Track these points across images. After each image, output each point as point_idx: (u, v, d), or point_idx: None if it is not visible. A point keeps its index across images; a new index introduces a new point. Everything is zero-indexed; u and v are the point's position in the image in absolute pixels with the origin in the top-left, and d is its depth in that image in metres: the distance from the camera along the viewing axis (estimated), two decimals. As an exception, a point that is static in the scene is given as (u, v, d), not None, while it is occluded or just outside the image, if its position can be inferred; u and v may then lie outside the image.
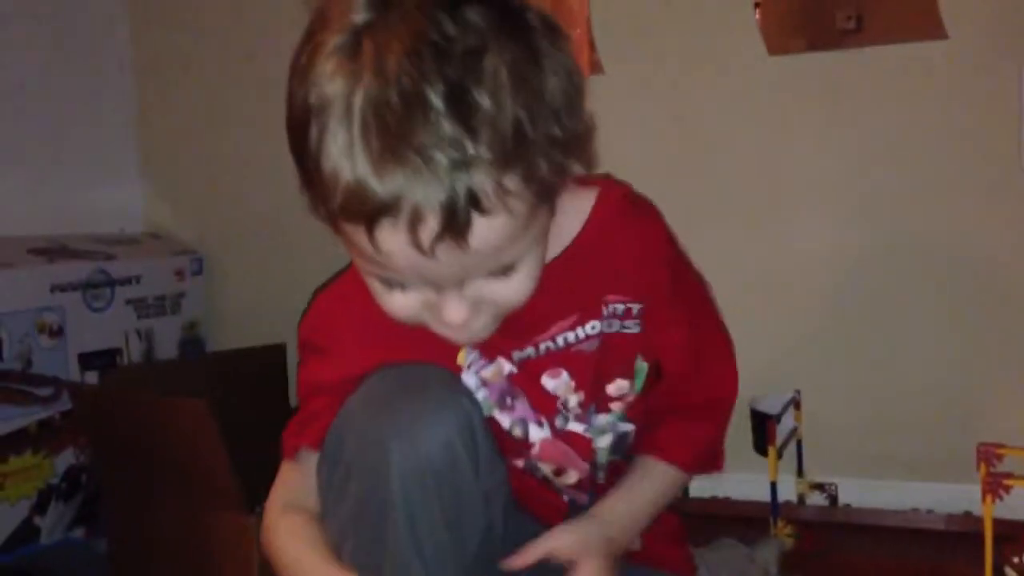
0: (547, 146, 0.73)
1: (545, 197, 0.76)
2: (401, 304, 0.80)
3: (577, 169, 0.80)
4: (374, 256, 0.74)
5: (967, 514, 1.57)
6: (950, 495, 1.59)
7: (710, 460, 1.03)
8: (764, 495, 1.55)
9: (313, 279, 1.10)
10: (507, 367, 0.95)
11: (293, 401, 1.05)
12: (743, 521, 1.60)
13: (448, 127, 0.68)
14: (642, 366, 0.96)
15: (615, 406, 0.97)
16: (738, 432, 1.61)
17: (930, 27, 1.60)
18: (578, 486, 1.00)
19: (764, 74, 1.72)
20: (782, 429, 1.56)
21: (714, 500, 1.72)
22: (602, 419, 0.97)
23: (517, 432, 0.96)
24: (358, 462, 0.87)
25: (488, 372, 0.95)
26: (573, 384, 0.95)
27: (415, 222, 0.69)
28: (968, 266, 1.61)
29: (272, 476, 1.01)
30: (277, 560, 0.94)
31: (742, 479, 1.68)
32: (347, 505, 0.89)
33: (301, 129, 0.71)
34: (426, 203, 0.68)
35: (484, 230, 0.72)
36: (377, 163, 0.68)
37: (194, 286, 2.01)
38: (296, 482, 0.97)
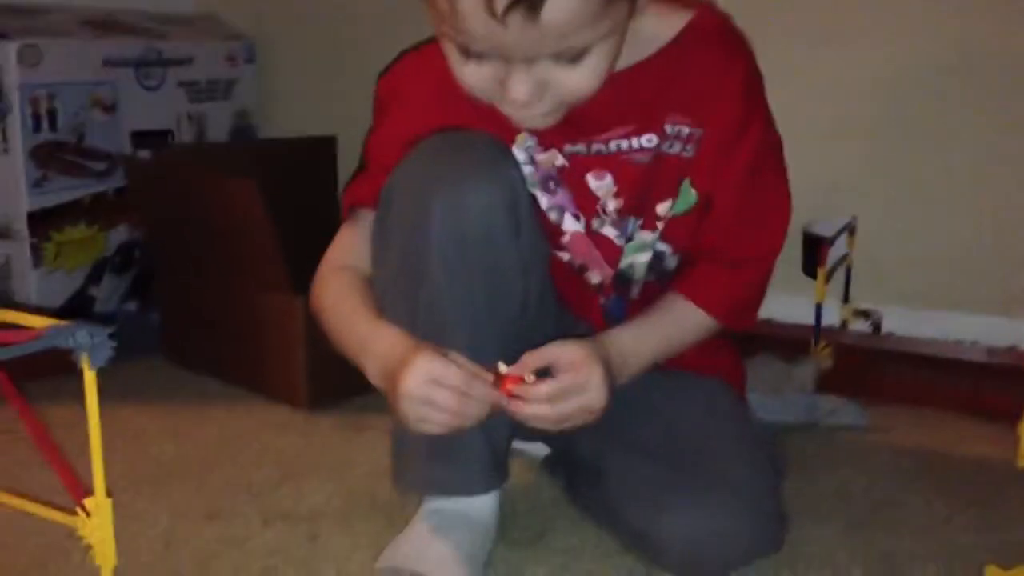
0: None
1: None
2: (473, 75, 0.82)
3: None
4: (451, 18, 0.76)
5: (1011, 348, 1.56)
6: (996, 329, 1.57)
7: (741, 312, 1.03)
8: (807, 318, 1.54)
9: (367, 72, 1.08)
10: (559, 160, 0.96)
11: (342, 195, 1.06)
12: (784, 342, 1.60)
13: None
14: (689, 191, 0.96)
15: (660, 225, 0.97)
16: (786, 255, 1.59)
17: None
18: (601, 289, 1.01)
19: None
20: (834, 253, 1.53)
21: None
22: (645, 236, 0.97)
23: (553, 217, 0.98)
24: (402, 215, 0.89)
25: (541, 156, 0.95)
26: (615, 189, 0.97)
27: None
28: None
29: (318, 264, 1.03)
30: (321, 312, 0.99)
31: (787, 301, 1.67)
32: (391, 259, 0.91)
33: None
34: None
35: (557, 6, 0.73)
36: None
37: (246, 73, 1.98)
38: (350, 243, 1.01)
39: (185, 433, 1.33)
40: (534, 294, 0.95)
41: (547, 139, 0.96)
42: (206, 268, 1.54)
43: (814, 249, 1.52)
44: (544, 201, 0.98)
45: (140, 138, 1.76)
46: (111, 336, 0.62)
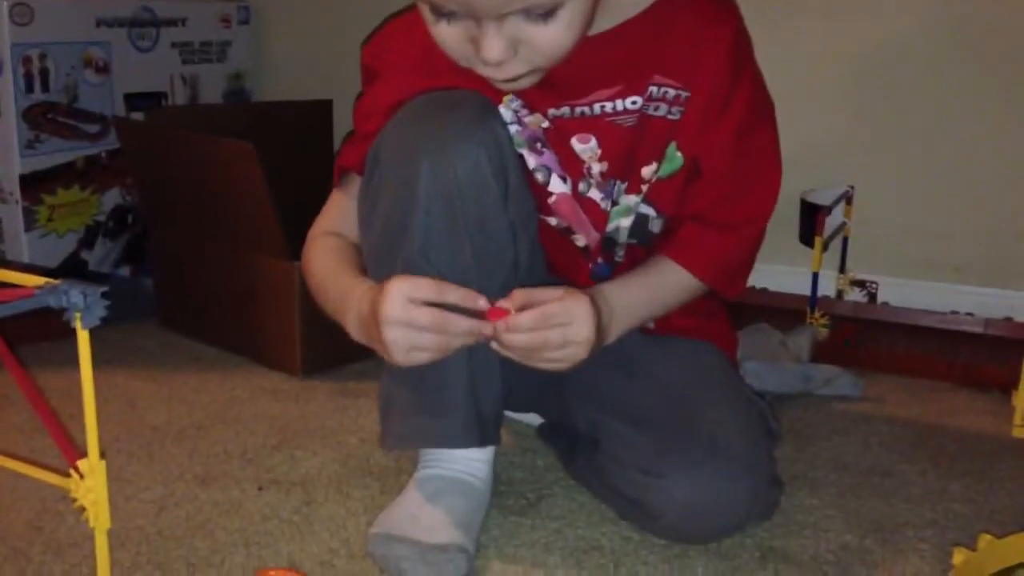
0: None
1: None
2: (446, 35, 0.82)
3: None
4: None
5: (1007, 320, 1.56)
6: (993, 300, 1.58)
7: (729, 275, 1.02)
8: (803, 288, 1.54)
9: (363, 35, 1.07)
10: (544, 123, 0.96)
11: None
12: (780, 312, 1.61)
13: None
14: (675, 154, 0.96)
15: (645, 188, 0.96)
16: (783, 224, 1.60)
17: None
18: (587, 252, 1.00)
19: None
20: (831, 222, 1.53)
21: (752, 290, 1.72)
22: (629, 199, 0.97)
23: (540, 177, 0.98)
24: (390, 175, 0.90)
25: (528, 118, 0.95)
26: (600, 152, 0.96)
27: None
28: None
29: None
30: (309, 276, 0.99)
31: (783, 271, 1.68)
32: (378, 218, 0.92)
33: None
34: None
35: None
36: None
37: (240, 35, 1.96)
38: (338, 210, 1.02)
39: (179, 398, 1.32)
40: (524, 253, 0.95)
41: (531, 102, 0.95)
42: (201, 232, 1.53)
43: (811, 218, 1.52)
44: (531, 161, 0.97)
45: (133, 100, 1.74)
46: (104, 296, 0.61)
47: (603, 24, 0.90)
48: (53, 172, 1.62)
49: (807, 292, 1.52)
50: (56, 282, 0.62)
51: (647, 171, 0.97)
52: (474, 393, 0.93)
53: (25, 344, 1.43)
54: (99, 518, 0.66)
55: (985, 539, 0.86)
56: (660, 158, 0.96)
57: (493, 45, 0.79)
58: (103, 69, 1.68)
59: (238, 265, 1.46)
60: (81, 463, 0.65)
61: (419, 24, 0.84)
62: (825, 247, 1.51)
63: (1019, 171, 1.56)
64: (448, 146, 0.86)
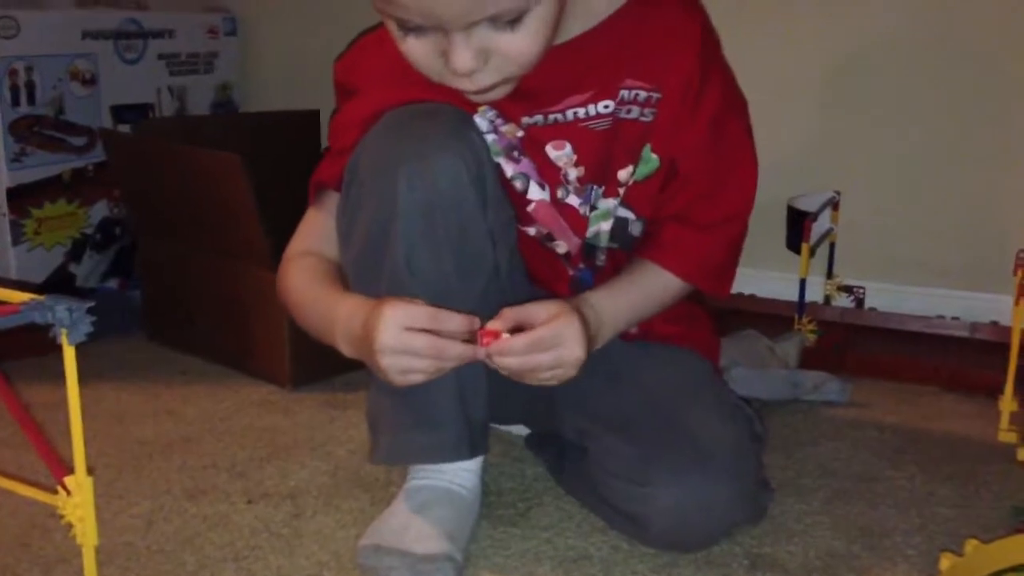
0: None
1: None
2: (415, 49, 0.82)
3: None
4: None
5: (994, 324, 1.57)
6: (979, 305, 1.59)
7: (714, 275, 1.02)
8: (791, 294, 1.55)
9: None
10: (519, 132, 0.96)
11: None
12: (768, 318, 1.61)
13: None
14: (650, 157, 0.96)
15: (622, 191, 0.97)
16: (770, 230, 1.61)
17: None
18: (568, 259, 1.01)
19: None
20: (818, 228, 1.54)
21: (740, 296, 1.73)
22: (607, 203, 0.97)
23: (518, 185, 0.98)
24: (368, 188, 0.90)
25: (503, 128, 0.96)
26: (575, 158, 0.97)
27: None
28: (1020, 73, 1.53)
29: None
30: (288, 297, 0.98)
31: (770, 277, 1.69)
32: (357, 233, 0.91)
33: None
34: None
35: None
36: None
37: (228, 46, 1.96)
38: (314, 228, 1.01)
39: (167, 412, 1.32)
40: (503, 262, 0.95)
41: (505, 112, 0.95)
42: (189, 245, 1.53)
43: (798, 224, 1.52)
44: (509, 169, 0.97)
45: (121, 112, 1.74)
46: (90, 311, 0.61)
47: (571, 31, 0.91)
48: (40, 185, 1.62)
49: (795, 298, 1.53)
50: (41, 298, 0.62)
51: (623, 174, 0.97)
52: (463, 402, 0.93)
53: (12, 359, 1.43)
54: (86, 534, 0.66)
55: (972, 544, 0.86)
56: (635, 160, 0.97)
57: (462, 56, 0.79)
58: (90, 81, 1.68)
59: (226, 277, 1.46)
60: (68, 479, 0.65)
61: (389, 39, 0.84)
62: (812, 253, 1.52)
63: (1003, 175, 1.57)
64: (425, 157, 0.86)
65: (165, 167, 1.49)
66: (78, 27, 1.65)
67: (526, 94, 0.90)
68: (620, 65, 0.93)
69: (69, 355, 0.62)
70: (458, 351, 0.83)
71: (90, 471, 0.66)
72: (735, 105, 0.99)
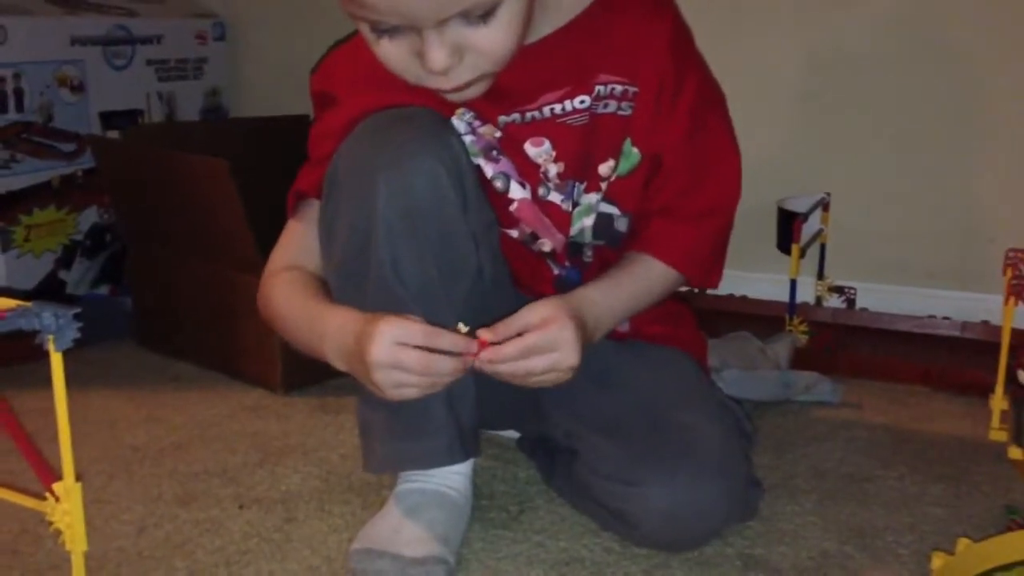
0: None
1: None
2: (389, 52, 0.82)
3: None
4: None
5: (984, 323, 1.58)
6: (969, 304, 1.59)
7: (704, 266, 1.02)
8: (782, 295, 1.55)
9: (339, 51, 1.06)
10: (497, 132, 0.97)
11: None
12: (759, 319, 1.61)
13: None
14: (632, 151, 0.97)
15: (604, 185, 0.97)
16: (761, 231, 1.61)
17: None
18: (554, 257, 1.01)
19: None
20: (808, 229, 1.54)
21: (731, 298, 1.73)
22: (589, 198, 0.97)
23: (499, 185, 0.98)
24: (347, 195, 0.89)
25: (481, 129, 0.96)
26: (554, 154, 0.97)
27: None
28: (1006, 74, 1.54)
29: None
30: (273, 312, 0.97)
31: (761, 278, 1.69)
32: (339, 241, 0.91)
33: None
34: None
35: None
36: None
37: (216, 52, 1.96)
38: (295, 241, 1.00)
39: (158, 418, 1.32)
40: (487, 263, 0.95)
41: (481, 112, 0.95)
42: (178, 250, 1.53)
43: (788, 225, 1.53)
44: (489, 170, 0.97)
45: (109, 119, 1.74)
46: (77, 317, 0.61)
47: (544, 29, 0.92)
48: (29, 192, 1.61)
49: (786, 299, 1.53)
50: (28, 304, 0.62)
51: (604, 168, 0.98)
52: (453, 408, 0.93)
53: (1, 366, 1.42)
54: (75, 541, 0.66)
55: (963, 543, 0.86)
56: (616, 155, 0.97)
57: (437, 53, 0.79)
58: (78, 88, 1.67)
59: (216, 282, 1.46)
60: (56, 485, 0.65)
61: (363, 46, 0.84)
62: (803, 254, 1.52)
63: (992, 175, 1.58)
64: (404, 161, 0.86)
65: (154, 173, 1.49)
66: (66, 33, 1.65)
67: (502, 94, 0.90)
68: (593, 60, 0.94)
69: (56, 361, 0.62)
70: (450, 367, 0.82)
71: (80, 477, 0.65)
72: (713, 98, 1.00)
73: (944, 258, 1.62)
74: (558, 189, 0.98)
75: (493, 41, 0.80)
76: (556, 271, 1.03)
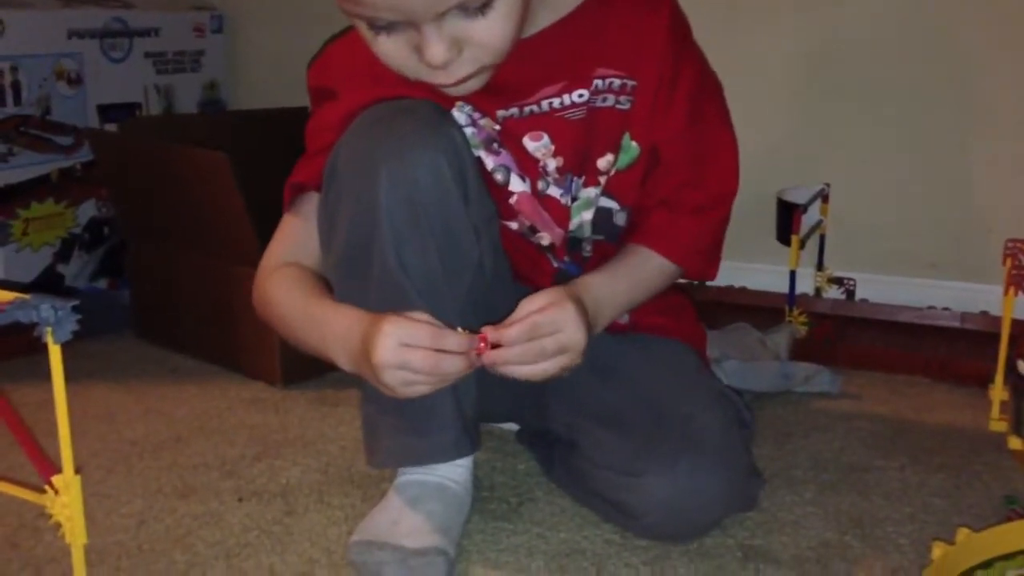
0: None
1: None
2: (388, 48, 0.81)
3: None
4: None
5: (984, 313, 1.57)
6: (969, 295, 1.59)
7: (702, 258, 1.02)
8: (782, 287, 1.55)
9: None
10: (496, 126, 0.96)
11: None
12: (759, 310, 1.61)
13: None
14: (631, 145, 0.97)
15: (603, 180, 0.97)
16: (760, 223, 1.61)
17: None
18: (553, 251, 1.01)
19: None
20: (807, 220, 1.54)
21: (731, 289, 1.73)
22: (588, 192, 0.97)
23: (499, 177, 0.98)
24: (348, 188, 0.89)
25: (481, 121, 0.96)
26: (553, 148, 0.97)
27: None
28: (1005, 64, 1.54)
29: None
30: (272, 311, 0.96)
31: (761, 269, 1.69)
32: (340, 235, 0.90)
33: None
34: None
35: None
36: None
37: (214, 44, 1.96)
38: (293, 236, 0.99)
39: (158, 411, 1.31)
40: (488, 256, 0.95)
41: (480, 107, 0.95)
42: (177, 243, 1.52)
43: (788, 216, 1.52)
44: (489, 162, 0.97)
45: (107, 111, 1.73)
46: (75, 309, 0.61)
47: (542, 23, 0.91)
48: (27, 185, 1.61)
49: (785, 290, 1.53)
50: (26, 297, 0.61)
51: (603, 162, 0.98)
52: (458, 400, 0.92)
53: (1, 360, 1.42)
54: (74, 534, 0.65)
55: (963, 533, 0.86)
56: (615, 149, 0.97)
57: (436, 47, 0.78)
58: (76, 81, 1.67)
59: (215, 275, 1.46)
60: (56, 478, 0.65)
61: (359, 40, 0.84)
62: (802, 245, 1.52)
63: (991, 166, 1.58)
64: (406, 153, 0.86)
65: (152, 166, 1.49)
66: (63, 26, 1.64)
67: (500, 88, 0.90)
68: (591, 54, 0.94)
69: (54, 354, 0.62)
70: (457, 367, 0.81)
71: (80, 470, 0.65)
72: (710, 89, 1.00)
73: (943, 249, 1.62)
74: (557, 183, 0.98)
75: (492, 33, 0.80)
76: (555, 265, 1.03)
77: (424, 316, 0.82)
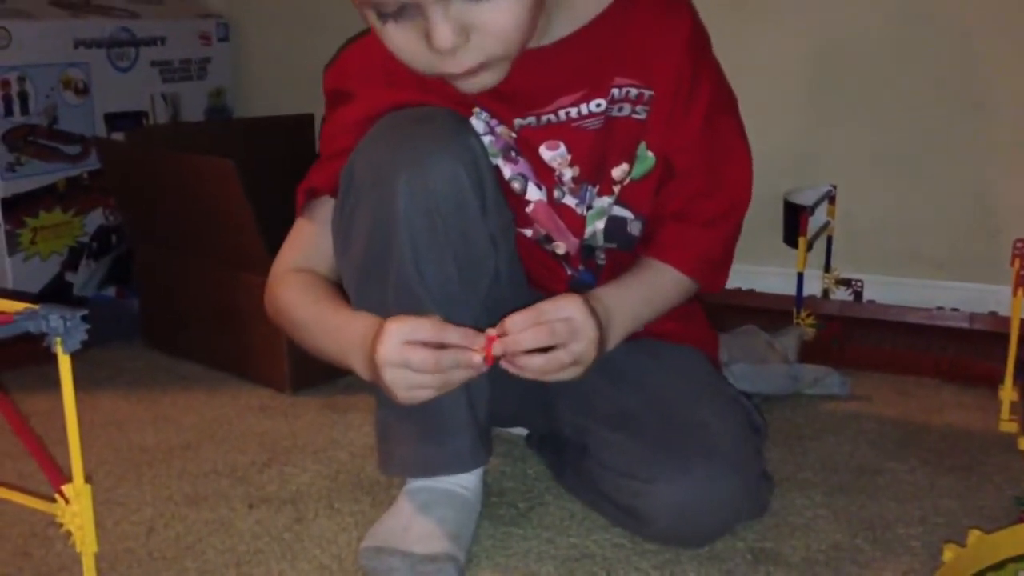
0: None
1: None
2: (397, 37, 0.80)
3: None
4: None
5: (992, 314, 1.57)
6: (977, 295, 1.59)
7: (713, 271, 1.02)
8: (789, 289, 1.55)
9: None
10: (512, 135, 0.96)
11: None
12: (767, 313, 1.61)
13: None
14: (646, 155, 0.96)
15: (617, 189, 0.97)
16: (768, 225, 1.61)
17: None
18: (567, 259, 1.00)
19: None
20: (814, 222, 1.54)
21: (739, 292, 1.73)
22: (601, 201, 0.97)
23: (516, 186, 0.98)
24: (366, 189, 0.88)
25: (499, 129, 0.96)
26: (570, 158, 0.96)
27: None
28: (1014, 65, 1.53)
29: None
30: (286, 316, 0.95)
31: (769, 271, 1.69)
32: (357, 242, 0.90)
33: None
34: None
35: None
36: None
37: (220, 52, 1.96)
38: (305, 243, 0.98)
39: (167, 418, 1.32)
40: (504, 264, 0.95)
41: (497, 115, 0.95)
42: (185, 251, 1.53)
43: (795, 218, 1.52)
44: (507, 170, 0.97)
45: (114, 120, 1.74)
46: (84, 319, 0.61)
47: (559, 31, 0.91)
48: (35, 195, 1.61)
49: (793, 292, 1.53)
50: (35, 307, 0.62)
51: (617, 172, 0.97)
52: (473, 408, 0.92)
53: (11, 369, 1.42)
54: (85, 542, 0.66)
55: (975, 535, 0.86)
56: (630, 159, 0.97)
57: (442, 30, 0.77)
58: (83, 90, 1.68)
59: (223, 282, 1.46)
60: (66, 488, 0.65)
61: (376, 43, 0.84)
62: (809, 247, 1.52)
63: (998, 166, 1.57)
64: (424, 160, 0.86)
65: (159, 174, 1.49)
66: (70, 36, 1.65)
67: (517, 96, 0.90)
68: (609, 63, 0.93)
69: (64, 364, 0.62)
70: (457, 359, 0.80)
71: (90, 479, 0.65)
72: (726, 101, 1.00)
73: (951, 249, 1.62)
74: (572, 193, 0.98)
75: (497, 18, 0.79)
76: (570, 273, 1.03)
77: (434, 316, 0.82)
